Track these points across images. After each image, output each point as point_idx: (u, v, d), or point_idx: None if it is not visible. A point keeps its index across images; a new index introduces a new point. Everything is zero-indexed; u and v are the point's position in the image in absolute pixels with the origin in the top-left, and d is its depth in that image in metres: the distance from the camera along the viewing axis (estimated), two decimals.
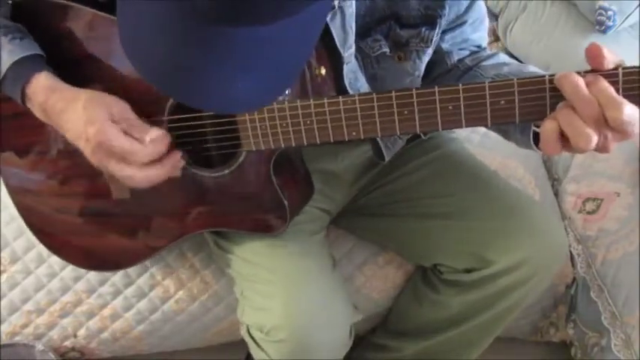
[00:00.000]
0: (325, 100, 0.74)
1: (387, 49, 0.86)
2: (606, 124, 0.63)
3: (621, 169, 1.27)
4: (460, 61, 0.95)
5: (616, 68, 0.64)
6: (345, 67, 0.82)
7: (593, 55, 0.64)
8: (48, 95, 0.78)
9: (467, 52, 0.95)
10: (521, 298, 0.98)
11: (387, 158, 0.94)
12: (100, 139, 0.75)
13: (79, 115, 0.76)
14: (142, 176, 0.77)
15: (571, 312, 1.25)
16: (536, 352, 1.36)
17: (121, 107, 0.78)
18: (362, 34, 0.83)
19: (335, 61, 0.82)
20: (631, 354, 1.12)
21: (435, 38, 0.88)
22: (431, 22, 0.86)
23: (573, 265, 1.22)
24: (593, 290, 1.19)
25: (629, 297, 1.15)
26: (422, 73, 0.92)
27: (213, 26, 0.49)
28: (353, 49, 0.82)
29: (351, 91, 0.84)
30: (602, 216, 1.23)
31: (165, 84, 0.55)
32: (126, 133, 0.75)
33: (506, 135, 0.87)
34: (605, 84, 0.63)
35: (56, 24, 0.83)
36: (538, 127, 0.77)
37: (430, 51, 0.90)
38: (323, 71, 0.80)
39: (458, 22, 0.91)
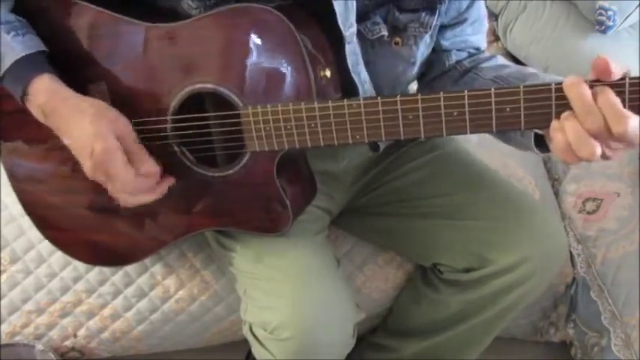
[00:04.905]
0: (330, 104, 0.74)
1: (385, 33, 0.86)
2: (610, 135, 0.62)
3: (621, 169, 1.27)
4: (458, 62, 0.95)
5: (623, 77, 0.63)
6: (347, 46, 0.81)
7: (601, 69, 0.63)
8: (49, 98, 0.78)
9: (465, 54, 0.96)
10: (520, 297, 0.98)
11: (381, 149, 0.95)
12: (104, 158, 0.77)
13: (86, 129, 0.77)
14: (127, 199, 0.82)
15: (571, 312, 1.25)
16: (536, 352, 1.36)
17: (123, 124, 0.79)
18: (361, 16, 0.83)
19: (337, 42, 0.81)
20: (631, 354, 1.12)
21: (435, 23, 0.88)
22: (431, 7, 0.86)
23: (573, 265, 1.22)
24: (593, 290, 1.19)
25: (629, 297, 1.15)
26: (417, 62, 0.91)
27: None
28: (354, 29, 0.82)
29: (353, 75, 0.83)
30: (602, 216, 1.23)
31: None
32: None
33: (506, 139, 0.87)
34: (611, 97, 0.62)
35: (60, 20, 0.82)
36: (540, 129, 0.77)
37: (428, 39, 0.90)
38: (328, 73, 0.80)
39: (459, 20, 0.92)
